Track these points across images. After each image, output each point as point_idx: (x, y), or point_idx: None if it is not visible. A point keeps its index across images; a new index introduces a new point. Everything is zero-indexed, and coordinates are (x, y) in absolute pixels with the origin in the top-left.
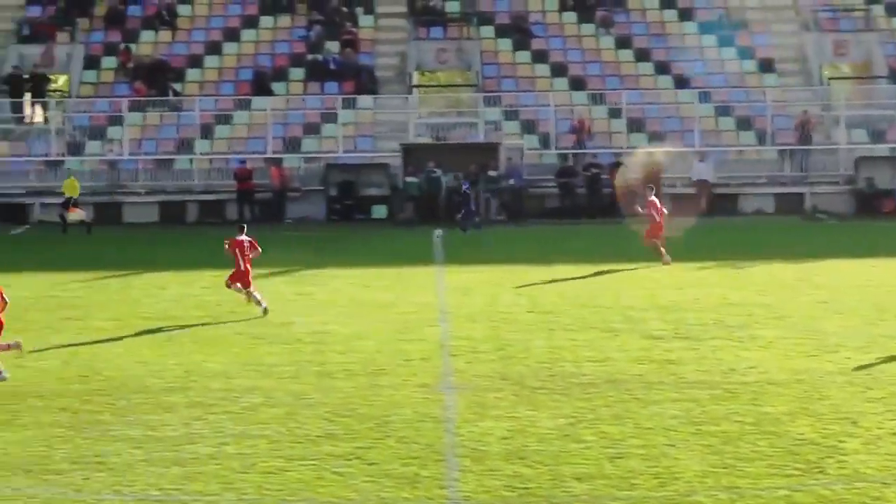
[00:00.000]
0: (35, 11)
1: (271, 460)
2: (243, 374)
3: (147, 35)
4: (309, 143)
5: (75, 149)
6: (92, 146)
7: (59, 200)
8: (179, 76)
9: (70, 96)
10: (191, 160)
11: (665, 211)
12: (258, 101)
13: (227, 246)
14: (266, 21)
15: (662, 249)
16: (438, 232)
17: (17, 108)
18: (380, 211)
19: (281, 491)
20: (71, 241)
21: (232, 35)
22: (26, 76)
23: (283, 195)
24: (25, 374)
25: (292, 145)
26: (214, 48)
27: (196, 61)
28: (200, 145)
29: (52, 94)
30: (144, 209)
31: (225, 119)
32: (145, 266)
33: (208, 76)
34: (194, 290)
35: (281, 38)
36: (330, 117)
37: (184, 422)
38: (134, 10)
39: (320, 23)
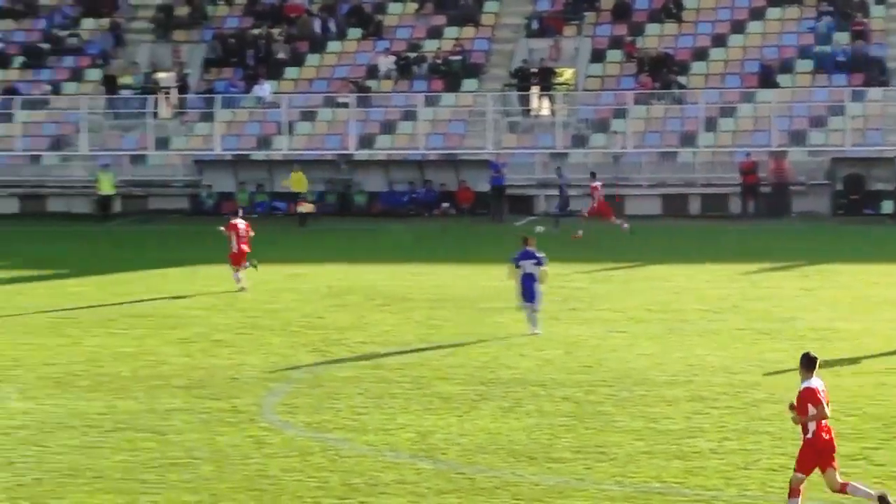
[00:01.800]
0: (544, 6)
1: (774, 457)
2: (746, 370)
3: (652, 28)
4: (815, 137)
5: (580, 141)
6: (596, 139)
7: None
8: (684, 69)
9: (576, 89)
10: (693, 153)
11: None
12: (763, 94)
13: (223, 229)
14: (773, 12)
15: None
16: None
17: (525, 101)
18: (887, 206)
19: (784, 489)
20: (559, 235)
21: (738, 27)
22: (534, 70)
23: (783, 189)
24: (529, 363)
25: (797, 138)
26: (720, 40)
27: (701, 54)
28: (704, 138)
29: (558, 87)
30: (647, 202)
31: (729, 112)
32: (649, 258)
33: (713, 69)
34: (697, 283)
35: (788, 30)
36: (837, 110)
37: (685, 415)
38: (641, 3)
39: (829, 14)
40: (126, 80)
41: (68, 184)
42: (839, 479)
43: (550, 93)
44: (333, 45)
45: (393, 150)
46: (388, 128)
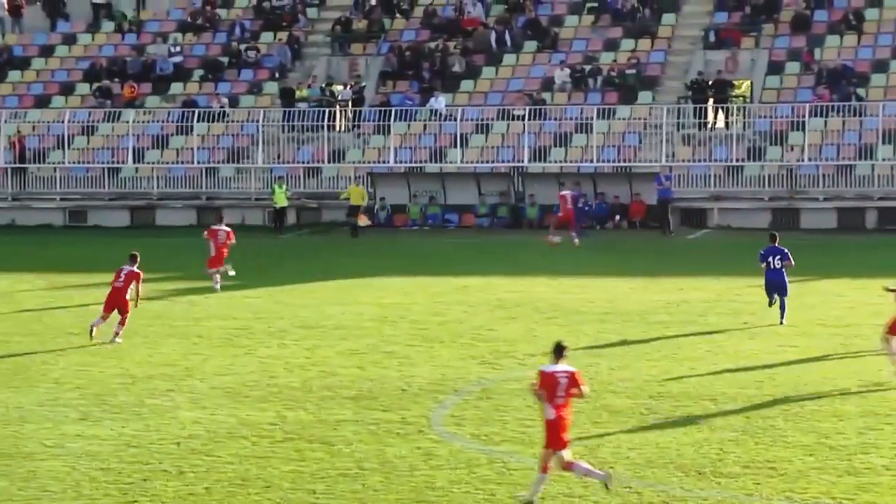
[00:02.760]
0: (722, 18)
1: None
2: None
3: (832, 40)
4: None
5: (755, 153)
6: (772, 151)
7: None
8: (863, 81)
9: (752, 101)
10: (871, 166)
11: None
12: None
13: (204, 234)
14: None
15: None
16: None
17: (700, 113)
18: None
19: None
20: (733, 248)
21: None
22: (709, 82)
23: None
24: (699, 376)
25: None
26: None
27: (881, 66)
28: (882, 151)
29: (734, 99)
30: (822, 215)
31: None
32: (823, 272)
33: (893, 81)
34: (872, 298)
35: None
36: None
37: (858, 431)
38: (820, 15)
39: None
40: (303, 93)
41: (244, 195)
42: (567, 458)
43: (726, 105)
44: (509, 58)
45: (566, 163)
46: (562, 140)
